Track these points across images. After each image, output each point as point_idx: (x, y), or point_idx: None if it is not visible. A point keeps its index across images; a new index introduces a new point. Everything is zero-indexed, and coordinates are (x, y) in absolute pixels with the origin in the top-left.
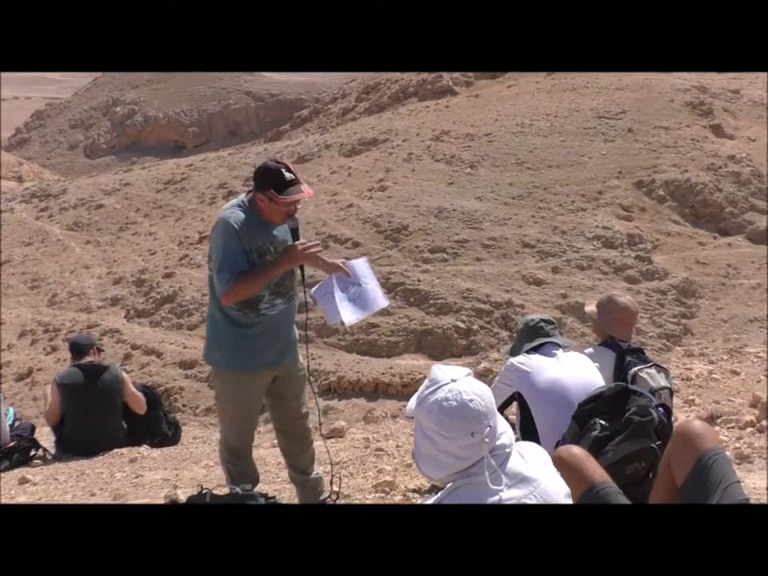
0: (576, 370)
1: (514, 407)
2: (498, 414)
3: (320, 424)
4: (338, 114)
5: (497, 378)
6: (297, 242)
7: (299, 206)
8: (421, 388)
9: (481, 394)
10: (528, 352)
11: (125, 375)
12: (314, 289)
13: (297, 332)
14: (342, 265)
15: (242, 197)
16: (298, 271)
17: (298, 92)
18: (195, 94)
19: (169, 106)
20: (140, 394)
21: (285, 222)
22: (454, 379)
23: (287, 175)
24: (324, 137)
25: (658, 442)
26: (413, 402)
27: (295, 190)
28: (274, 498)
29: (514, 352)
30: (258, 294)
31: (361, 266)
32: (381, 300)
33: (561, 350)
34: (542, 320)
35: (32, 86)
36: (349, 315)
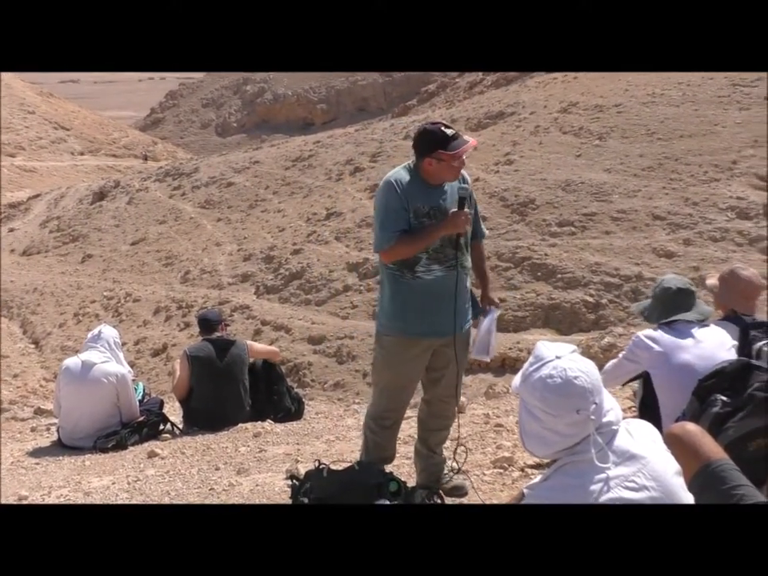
0: (711, 352)
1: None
2: (605, 391)
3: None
4: (465, 87)
5: (622, 354)
6: (462, 210)
7: (466, 157)
8: (525, 365)
9: (586, 371)
10: (660, 325)
11: (249, 342)
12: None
13: (468, 316)
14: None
15: (411, 160)
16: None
17: None
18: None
19: (297, 83)
20: (267, 346)
21: (458, 177)
22: (559, 356)
23: (448, 131)
24: (451, 111)
25: None
26: (517, 379)
27: (460, 142)
28: (391, 473)
29: (649, 317)
30: (415, 256)
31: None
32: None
33: (697, 327)
34: (680, 289)
35: None
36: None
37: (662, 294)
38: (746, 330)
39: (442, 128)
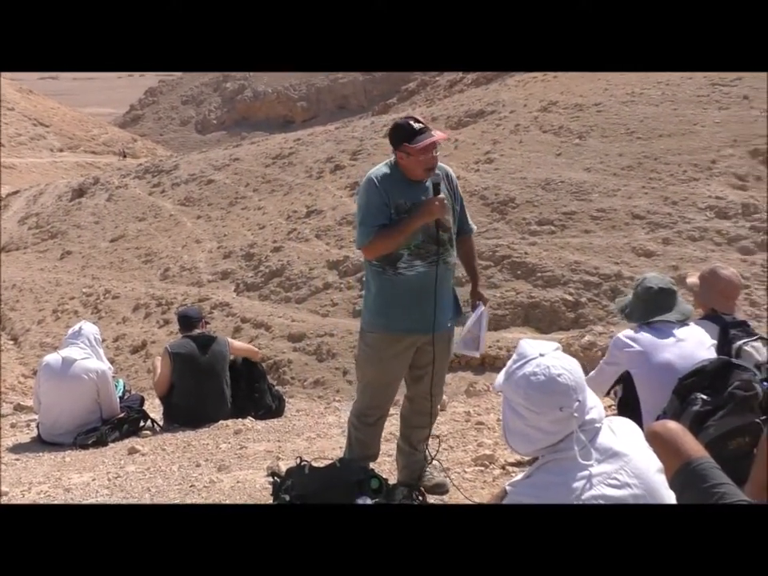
0: (691, 351)
1: None
2: (588, 389)
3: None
4: (445, 86)
5: (602, 360)
6: (437, 196)
7: (437, 153)
8: (509, 362)
9: (569, 369)
10: (641, 325)
11: (229, 339)
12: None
13: (451, 314)
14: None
15: (393, 157)
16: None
17: None
18: None
19: (278, 80)
20: (247, 345)
21: (427, 173)
22: (542, 353)
23: (416, 125)
24: (431, 109)
25: (763, 417)
26: (501, 376)
27: (425, 136)
28: (372, 470)
29: (629, 315)
30: (397, 252)
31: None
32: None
33: (677, 326)
34: (662, 289)
35: None
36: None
37: (643, 293)
38: (725, 328)
39: (411, 122)
